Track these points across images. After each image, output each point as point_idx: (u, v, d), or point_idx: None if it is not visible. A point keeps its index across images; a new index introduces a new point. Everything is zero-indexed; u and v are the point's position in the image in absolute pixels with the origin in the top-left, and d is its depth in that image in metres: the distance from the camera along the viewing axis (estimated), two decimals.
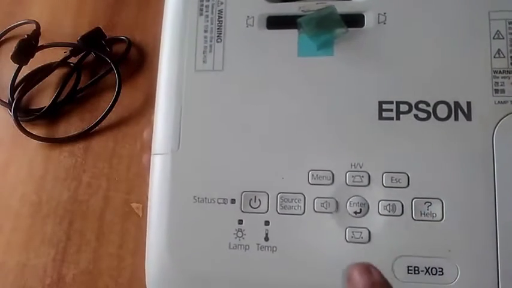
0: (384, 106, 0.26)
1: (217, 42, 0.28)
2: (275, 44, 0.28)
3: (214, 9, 0.29)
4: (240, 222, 0.26)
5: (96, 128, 0.48)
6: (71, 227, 0.44)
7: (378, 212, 0.25)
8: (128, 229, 0.43)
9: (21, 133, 0.47)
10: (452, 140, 0.25)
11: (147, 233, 0.27)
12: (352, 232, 0.25)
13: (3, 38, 0.55)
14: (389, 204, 0.25)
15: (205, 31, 0.29)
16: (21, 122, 0.48)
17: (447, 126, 0.25)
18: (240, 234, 0.26)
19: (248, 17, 0.28)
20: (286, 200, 0.26)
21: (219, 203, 0.26)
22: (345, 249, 0.25)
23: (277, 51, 0.28)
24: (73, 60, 0.51)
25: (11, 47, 0.50)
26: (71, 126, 0.49)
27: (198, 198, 0.27)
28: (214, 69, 0.28)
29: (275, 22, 0.28)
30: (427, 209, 0.25)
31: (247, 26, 0.28)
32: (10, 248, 0.44)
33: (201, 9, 0.29)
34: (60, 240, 0.44)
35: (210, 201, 0.27)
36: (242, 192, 0.26)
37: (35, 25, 0.51)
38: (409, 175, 0.25)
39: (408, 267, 0.25)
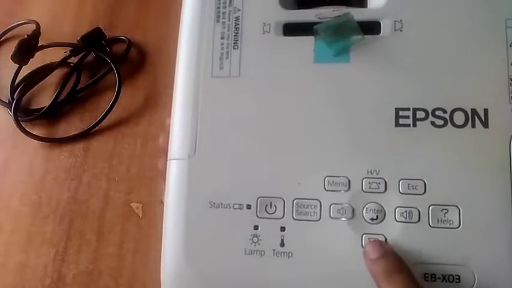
0: (401, 113, 0.26)
1: (234, 48, 0.28)
2: (291, 50, 0.28)
3: (231, 16, 0.29)
4: (256, 227, 0.26)
5: (96, 128, 0.48)
6: (71, 227, 0.44)
7: (395, 218, 0.25)
8: (128, 229, 0.43)
9: (21, 133, 0.47)
10: (469, 147, 0.25)
11: (162, 238, 0.27)
12: (369, 239, 0.25)
13: (3, 38, 0.55)
14: (406, 211, 0.25)
15: (222, 38, 0.29)
16: (21, 122, 0.48)
17: (464, 133, 0.25)
18: (255, 239, 0.26)
19: (264, 23, 0.29)
20: (302, 206, 0.26)
21: (235, 209, 0.26)
22: (361, 256, 0.25)
23: (293, 58, 0.28)
24: (73, 60, 0.51)
25: (11, 47, 0.50)
26: (71, 126, 0.49)
27: (214, 203, 0.27)
28: (231, 75, 0.28)
29: (291, 29, 0.29)
30: (444, 216, 0.25)
31: (263, 33, 0.28)
32: (10, 248, 0.44)
33: (218, 16, 0.29)
34: (60, 240, 0.44)
35: (226, 207, 0.27)
36: (258, 198, 0.26)
37: (35, 25, 0.51)
38: (426, 182, 0.25)
39: (425, 274, 0.24)
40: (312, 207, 0.26)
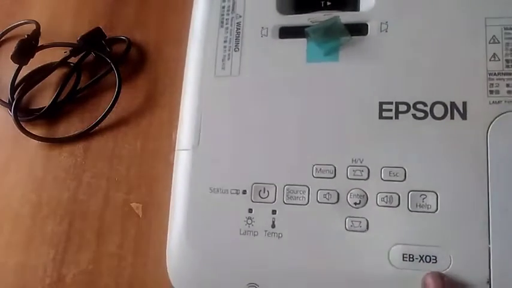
0: (384, 106, 0.28)
1: (235, 51, 0.31)
2: (286, 51, 0.31)
3: (233, 22, 0.32)
4: (250, 211, 0.29)
5: (96, 128, 0.48)
6: (70, 227, 0.44)
7: (376, 203, 0.27)
8: (128, 229, 0.43)
9: (21, 133, 0.47)
10: (448, 137, 0.27)
11: (169, 220, 0.31)
12: (352, 221, 0.27)
13: (3, 38, 0.55)
14: (386, 196, 0.27)
15: (225, 41, 0.32)
16: (21, 122, 0.48)
17: (443, 125, 0.27)
18: (249, 221, 0.29)
19: (263, 28, 0.32)
20: (292, 191, 0.28)
21: (232, 194, 0.29)
22: (344, 237, 0.27)
23: (287, 58, 0.31)
24: (73, 60, 0.51)
25: (11, 47, 0.50)
26: (71, 126, 0.49)
27: (214, 189, 0.30)
28: (232, 74, 0.31)
29: (286, 32, 0.31)
30: (423, 201, 0.26)
31: (261, 36, 0.31)
32: (10, 248, 0.44)
33: (222, 22, 0.32)
34: (60, 240, 0.44)
35: (224, 192, 0.29)
36: (253, 184, 0.29)
37: (35, 25, 0.52)
38: (406, 170, 0.27)
39: (403, 254, 0.26)
40: (301, 192, 0.28)
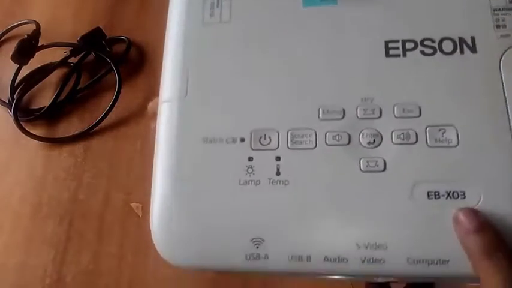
0: (391, 45, 0.27)
1: None
2: None
3: None
4: (250, 159, 0.26)
5: (96, 128, 0.48)
6: (71, 227, 0.44)
7: (392, 141, 0.25)
8: (128, 229, 0.43)
9: (21, 133, 0.47)
10: (460, 70, 0.26)
11: (152, 182, 0.27)
12: (367, 162, 0.25)
13: (3, 38, 0.55)
14: (402, 133, 0.25)
15: None
16: (21, 122, 0.48)
17: (454, 59, 0.26)
18: (250, 170, 0.26)
19: None
20: (296, 136, 0.26)
21: (228, 143, 0.27)
22: (359, 179, 0.25)
23: (283, 3, 0.29)
24: (73, 60, 0.51)
25: (11, 47, 0.50)
26: (70, 126, 0.49)
27: (207, 139, 0.27)
28: (222, 21, 0.29)
29: None
30: (442, 136, 0.25)
31: None
32: (10, 248, 0.44)
33: None
34: (60, 240, 0.44)
35: (219, 141, 0.27)
36: (251, 131, 0.27)
37: (35, 25, 0.51)
38: (421, 105, 0.26)
39: (428, 192, 0.24)
40: (307, 136, 0.26)
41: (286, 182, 0.26)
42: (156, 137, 0.28)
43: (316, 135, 0.26)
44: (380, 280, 0.26)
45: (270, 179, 0.26)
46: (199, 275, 0.41)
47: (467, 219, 0.23)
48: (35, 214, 0.45)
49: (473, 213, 0.23)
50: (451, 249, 0.23)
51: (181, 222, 0.26)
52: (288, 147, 0.26)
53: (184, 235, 0.26)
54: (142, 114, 0.48)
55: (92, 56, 0.52)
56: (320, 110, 0.26)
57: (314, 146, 0.26)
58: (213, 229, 0.26)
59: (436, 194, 0.24)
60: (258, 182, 0.26)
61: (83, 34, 0.50)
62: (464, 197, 0.24)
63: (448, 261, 0.23)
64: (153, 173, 0.27)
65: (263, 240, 0.25)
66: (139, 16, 0.54)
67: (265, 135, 0.27)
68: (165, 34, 0.50)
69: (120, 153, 0.47)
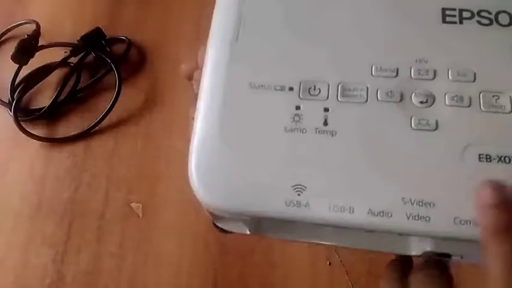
0: (448, 12, 0.27)
1: None
2: None
3: None
4: (298, 108, 0.26)
5: (96, 128, 0.48)
6: (71, 227, 0.44)
7: (445, 103, 0.25)
8: (128, 229, 0.43)
9: (22, 133, 0.47)
10: None
11: (194, 125, 0.27)
12: (418, 120, 0.25)
13: (3, 38, 0.55)
14: (456, 96, 0.25)
15: None
16: (21, 122, 0.48)
17: (510, 31, 0.26)
18: (297, 118, 0.26)
19: None
20: (347, 89, 0.26)
21: (276, 90, 0.26)
22: (409, 136, 0.25)
23: None
24: (73, 60, 0.51)
25: (11, 47, 0.50)
26: (71, 126, 0.49)
27: (254, 84, 0.27)
28: None
29: None
30: (496, 102, 0.25)
31: None
32: (10, 248, 0.44)
33: None
34: (60, 240, 0.44)
35: (267, 88, 0.27)
36: (301, 81, 0.26)
37: (35, 25, 0.52)
38: (475, 71, 0.26)
39: (479, 155, 0.24)
40: (358, 90, 0.26)
41: (334, 133, 0.25)
42: (201, 80, 0.28)
43: (367, 90, 0.26)
44: (409, 253, 0.26)
45: (316, 128, 0.25)
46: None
47: (486, 192, 0.22)
48: (35, 214, 0.45)
49: (500, 187, 0.22)
50: None
51: (222, 164, 0.26)
52: (338, 100, 0.26)
53: (225, 177, 0.25)
54: (142, 114, 0.48)
55: (92, 56, 0.52)
56: (373, 66, 0.26)
57: (365, 100, 0.26)
58: (254, 173, 0.25)
59: (488, 157, 0.24)
60: (304, 130, 0.25)
61: (83, 34, 0.51)
62: None
63: None
64: (195, 117, 0.27)
65: (305, 188, 0.24)
66: (139, 16, 0.54)
67: (315, 86, 0.26)
68: (165, 35, 0.50)
69: (120, 153, 0.47)
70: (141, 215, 0.43)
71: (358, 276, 0.39)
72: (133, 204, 0.44)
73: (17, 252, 0.44)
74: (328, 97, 0.26)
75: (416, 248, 0.25)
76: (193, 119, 0.27)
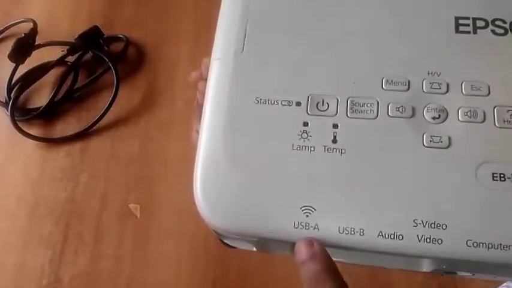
0: (461, 21, 0.26)
1: None
2: None
3: None
4: (306, 124, 0.25)
5: (94, 127, 0.47)
6: (68, 227, 0.44)
7: (458, 118, 0.24)
8: (126, 230, 0.43)
9: (18, 133, 0.47)
10: None
11: (199, 139, 0.26)
12: (431, 137, 0.24)
13: (0, 37, 0.55)
14: (470, 111, 0.24)
15: None
16: (18, 122, 0.47)
17: None
18: (304, 135, 0.25)
19: None
20: (357, 104, 0.25)
21: (283, 105, 0.26)
22: (421, 154, 0.24)
23: None
24: (70, 59, 0.50)
25: (7, 46, 0.49)
26: (68, 126, 0.48)
27: (260, 99, 0.26)
28: None
29: None
30: (510, 117, 0.24)
31: None
32: (7, 249, 0.44)
33: None
34: (57, 241, 0.43)
35: (273, 103, 0.26)
36: (309, 95, 0.26)
37: (32, 24, 0.51)
38: (490, 84, 0.25)
39: (493, 174, 0.23)
40: (369, 105, 0.25)
41: (343, 151, 0.24)
42: (206, 94, 0.27)
43: (378, 104, 0.25)
44: (426, 269, 0.25)
45: (325, 146, 0.25)
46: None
47: (300, 250, 0.23)
48: (32, 214, 0.45)
49: (308, 243, 0.23)
50: None
51: (228, 184, 0.25)
52: (347, 115, 0.25)
53: (231, 197, 0.25)
54: (140, 114, 0.48)
55: (89, 54, 0.51)
56: (384, 79, 0.25)
57: (375, 116, 0.25)
58: (261, 193, 0.24)
59: (502, 176, 0.23)
60: (312, 149, 0.25)
61: (80, 33, 0.50)
62: None
63: (510, 246, 0.22)
64: (200, 133, 0.26)
65: (314, 210, 0.24)
66: (137, 14, 0.54)
67: (323, 100, 0.25)
68: (163, 34, 0.50)
69: (118, 154, 0.46)
70: (139, 216, 0.43)
71: (359, 278, 0.39)
72: (131, 205, 0.44)
73: (14, 253, 0.43)
74: (337, 113, 0.25)
75: (426, 266, 0.25)
76: (197, 132, 0.27)
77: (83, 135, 0.47)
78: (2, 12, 0.57)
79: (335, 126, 0.25)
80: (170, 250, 0.42)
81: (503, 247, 0.22)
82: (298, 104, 0.26)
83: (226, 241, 0.26)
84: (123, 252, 0.42)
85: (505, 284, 0.34)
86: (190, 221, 0.42)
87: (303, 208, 0.24)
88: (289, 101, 0.26)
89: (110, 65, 0.49)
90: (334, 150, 0.25)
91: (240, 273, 0.40)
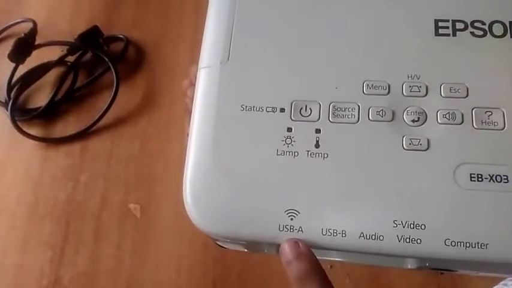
0: (440, 24, 0.27)
1: None
2: None
3: None
4: (289, 130, 0.26)
5: (94, 127, 0.47)
6: (68, 228, 0.44)
7: (437, 120, 0.25)
8: (126, 230, 0.43)
9: (18, 133, 0.47)
10: (509, 54, 0.26)
11: (188, 146, 0.27)
12: (410, 140, 0.25)
13: (0, 37, 0.55)
14: (448, 113, 0.25)
15: None
16: (18, 122, 0.47)
17: (504, 42, 0.26)
18: (288, 141, 0.26)
19: None
20: (339, 109, 0.26)
21: (268, 112, 0.26)
22: (401, 157, 0.25)
23: None
24: (70, 59, 0.50)
25: (7, 46, 0.49)
26: (68, 126, 0.48)
27: (246, 106, 0.27)
28: None
29: None
30: (488, 118, 0.25)
31: None
32: (7, 249, 0.44)
33: None
34: (57, 241, 0.43)
35: (258, 110, 0.26)
36: (292, 102, 0.26)
37: (32, 24, 0.51)
38: (468, 86, 0.25)
39: (471, 174, 0.24)
40: (350, 110, 0.26)
41: (325, 155, 0.25)
42: (194, 102, 0.28)
43: (359, 109, 0.26)
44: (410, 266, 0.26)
45: (308, 151, 0.25)
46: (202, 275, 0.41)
47: (287, 250, 0.24)
48: (32, 214, 0.45)
49: (294, 243, 0.24)
50: (491, 232, 0.23)
51: (216, 189, 0.26)
52: (329, 120, 0.26)
53: (218, 201, 0.26)
54: (140, 114, 0.48)
55: (89, 54, 0.51)
56: (365, 83, 0.26)
57: (356, 120, 0.26)
58: (247, 198, 0.25)
59: (479, 176, 0.24)
60: (296, 154, 0.25)
61: (80, 33, 0.50)
62: (507, 181, 0.24)
63: (487, 244, 0.23)
64: (188, 140, 0.27)
65: (298, 213, 0.25)
66: (137, 14, 0.54)
67: (306, 106, 0.26)
68: (163, 34, 0.50)
69: (117, 154, 0.46)
70: (138, 216, 0.43)
71: (359, 279, 0.39)
72: (131, 205, 0.44)
73: (14, 253, 0.43)
74: (319, 118, 0.26)
75: (411, 263, 0.25)
76: (187, 135, 0.27)
77: (83, 135, 0.47)
78: (2, 12, 0.57)
79: (317, 131, 0.26)
80: (170, 250, 0.42)
81: (481, 245, 0.23)
82: (282, 110, 0.26)
83: (218, 243, 0.27)
84: (123, 252, 0.42)
85: (502, 283, 0.34)
86: (190, 221, 0.42)
87: (288, 211, 0.25)
88: (273, 107, 0.26)
89: (110, 65, 0.49)
90: (317, 154, 0.25)
91: (240, 273, 0.40)
